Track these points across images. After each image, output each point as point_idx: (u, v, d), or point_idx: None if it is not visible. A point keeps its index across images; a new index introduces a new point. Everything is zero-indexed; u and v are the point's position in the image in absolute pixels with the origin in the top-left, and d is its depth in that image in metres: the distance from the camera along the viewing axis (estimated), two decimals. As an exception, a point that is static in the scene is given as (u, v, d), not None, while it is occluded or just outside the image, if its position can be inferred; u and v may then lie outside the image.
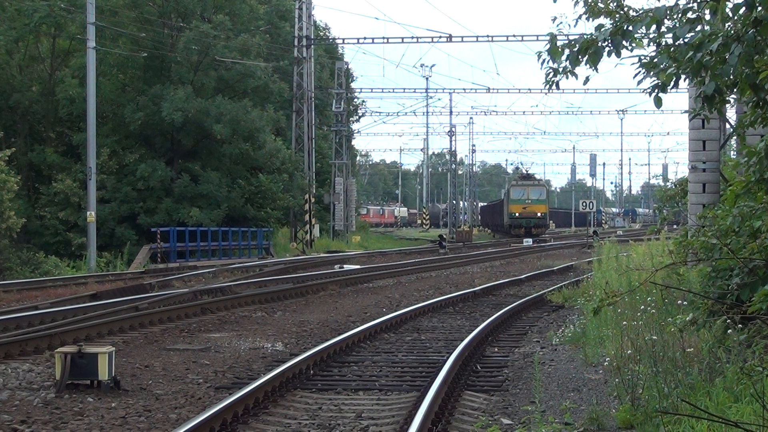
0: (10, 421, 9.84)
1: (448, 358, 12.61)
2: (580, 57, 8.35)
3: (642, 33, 8.30)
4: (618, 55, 8.33)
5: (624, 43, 8.29)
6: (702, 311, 10.50)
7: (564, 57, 8.43)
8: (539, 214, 73.03)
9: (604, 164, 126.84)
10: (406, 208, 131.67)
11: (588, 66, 8.48)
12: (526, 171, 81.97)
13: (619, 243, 27.98)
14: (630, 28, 8.17)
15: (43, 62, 45.34)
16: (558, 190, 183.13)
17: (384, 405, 10.72)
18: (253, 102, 45.96)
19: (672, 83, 8.26)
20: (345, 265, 35.38)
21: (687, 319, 10.28)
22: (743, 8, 7.62)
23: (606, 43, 8.26)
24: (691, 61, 7.83)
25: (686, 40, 7.97)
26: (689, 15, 8.02)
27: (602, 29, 8.25)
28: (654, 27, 8.20)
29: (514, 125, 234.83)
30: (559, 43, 8.50)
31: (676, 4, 8.14)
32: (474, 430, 9.26)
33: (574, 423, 9.33)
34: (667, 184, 47.22)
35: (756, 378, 7.92)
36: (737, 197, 10.88)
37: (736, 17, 7.76)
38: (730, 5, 7.79)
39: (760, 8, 7.41)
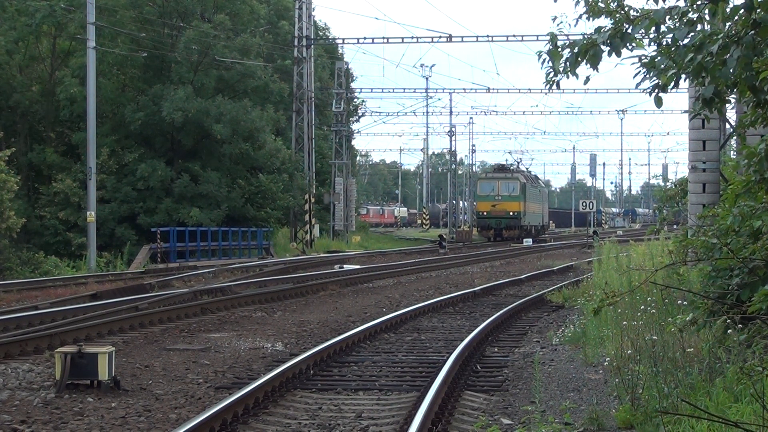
0: (10, 421, 9.84)
1: (448, 358, 12.61)
2: (579, 59, 8.34)
3: (642, 34, 8.28)
4: (618, 55, 8.33)
5: (624, 43, 8.28)
6: (702, 311, 10.49)
7: (563, 60, 8.41)
8: (511, 213, 62.73)
9: (604, 164, 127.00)
10: (406, 208, 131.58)
11: (588, 66, 8.47)
12: (527, 165, 73.15)
13: (619, 243, 27.98)
14: (629, 30, 8.16)
15: (43, 62, 45.35)
16: (558, 190, 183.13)
17: (384, 405, 10.72)
18: (253, 102, 45.97)
19: (672, 84, 8.26)
20: (345, 265, 35.38)
21: (687, 319, 10.28)
22: (742, 10, 7.60)
23: (605, 44, 8.25)
24: (692, 62, 7.82)
25: (685, 42, 7.96)
26: (690, 15, 8.01)
27: (601, 31, 8.23)
28: (653, 28, 8.19)
29: (514, 125, 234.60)
30: (559, 43, 8.49)
31: (676, 6, 8.12)
32: (474, 430, 9.26)
33: (574, 423, 9.33)
34: (667, 184, 47.16)
35: (756, 378, 7.92)
36: (737, 197, 10.88)
37: (736, 17, 7.75)
38: (729, 6, 7.77)
39: (759, 10, 7.40)
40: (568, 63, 8.42)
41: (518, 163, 72.75)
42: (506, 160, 72.82)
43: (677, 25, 8.05)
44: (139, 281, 26.69)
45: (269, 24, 51.42)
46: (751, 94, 8.26)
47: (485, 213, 63.81)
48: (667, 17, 8.01)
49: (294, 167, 49.24)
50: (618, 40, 8.15)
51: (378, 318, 17.80)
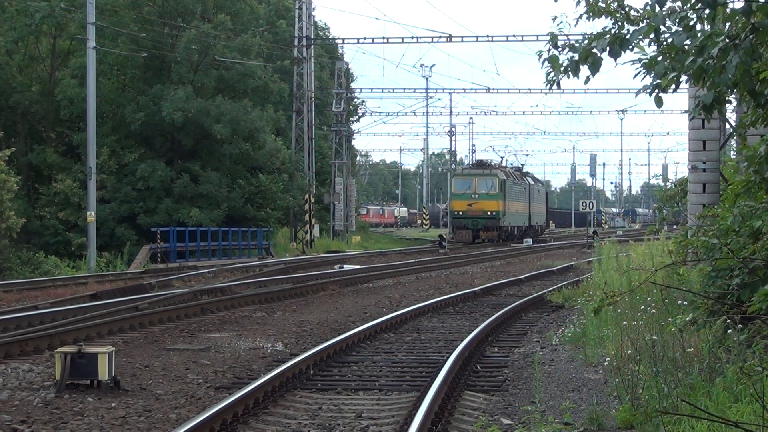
0: (10, 421, 9.85)
1: (448, 358, 12.61)
2: (580, 65, 8.33)
3: (641, 38, 8.27)
4: (618, 57, 8.32)
5: (623, 49, 8.27)
6: (702, 311, 10.50)
7: (562, 69, 8.39)
8: (489, 213, 57.32)
9: (604, 164, 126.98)
10: (406, 208, 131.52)
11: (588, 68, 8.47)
12: (522, 162, 69.56)
13: (619, 243, 27.99)
14: (628, 37, 8.14)
15: (43, 62, 45.36)
16: (558, 190, 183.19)
17: (384, 405, 10.72)
18: (253, 102, 45.98)
19: (672, 86, 8.25)
20: (345, 265, 35.37)
21: (687, 319, 10.28)
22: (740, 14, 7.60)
23: (604, 50, 8.24)
24: (693, 64, 7.81)
25: (686, 44, 7.95)
26: (690, 15, 8.00)
27: (600, 38, 8.20)
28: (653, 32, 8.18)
29: (514, 125, 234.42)
30: (559, 43, 8.48)
31: (675, 10, 8.12)
32: (474, 430, 9.27)
33: (574, 423, 9.34)
34: (667, 184, 47.19)
35: (756, 378, 7.92)
36: (737, 197, 10.89)
37: (736, 18, 7.74)
38: (729, 8, 7.76)
39: (758, 13, 7.39)
40: (568, 68, 8.41)
41: (502, 159, 69.54)
42: (503, 159, 70.19)
43: (677, 26, 8.04)
44: (139, 281, 26.69)
45: (269, 24, 51.43)
46: (751, 98, 8.26)
47: (460, 213, 58.16)
48: (667, 19, 8.00)
49: (294, 167, 49.26)
50: (617, 47, 8.14)
51: (378, 318, 17.79)
